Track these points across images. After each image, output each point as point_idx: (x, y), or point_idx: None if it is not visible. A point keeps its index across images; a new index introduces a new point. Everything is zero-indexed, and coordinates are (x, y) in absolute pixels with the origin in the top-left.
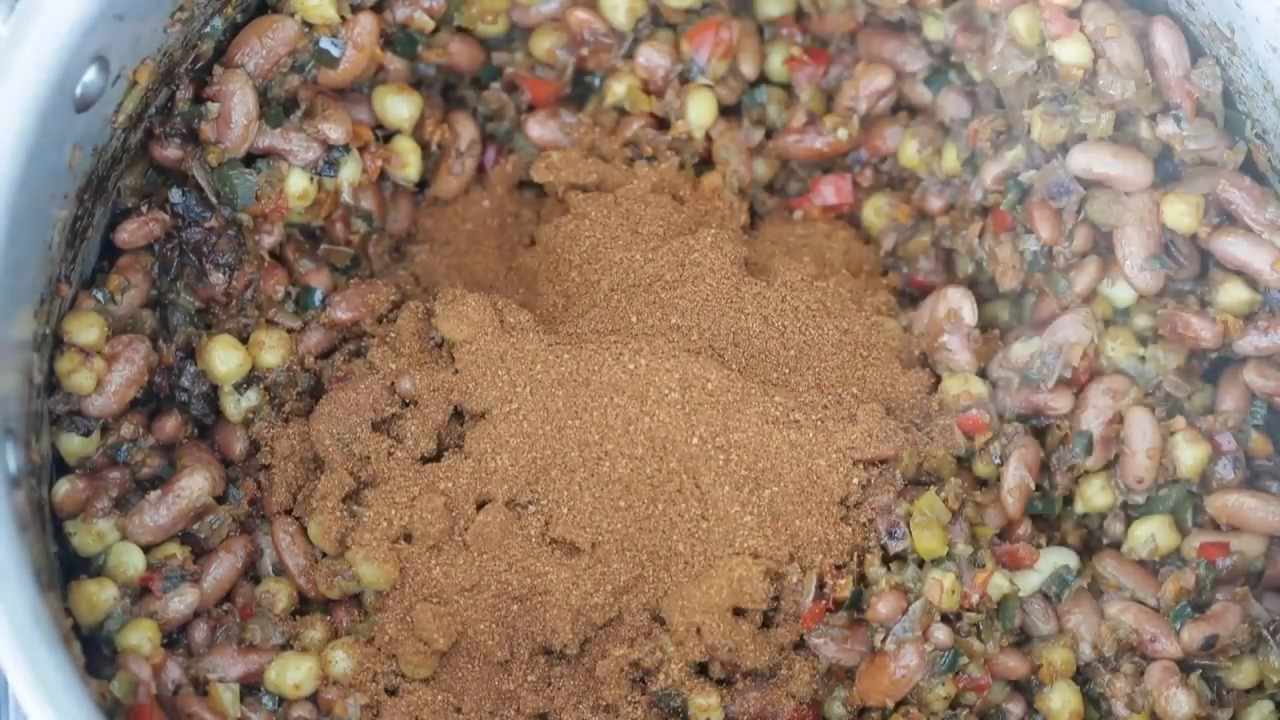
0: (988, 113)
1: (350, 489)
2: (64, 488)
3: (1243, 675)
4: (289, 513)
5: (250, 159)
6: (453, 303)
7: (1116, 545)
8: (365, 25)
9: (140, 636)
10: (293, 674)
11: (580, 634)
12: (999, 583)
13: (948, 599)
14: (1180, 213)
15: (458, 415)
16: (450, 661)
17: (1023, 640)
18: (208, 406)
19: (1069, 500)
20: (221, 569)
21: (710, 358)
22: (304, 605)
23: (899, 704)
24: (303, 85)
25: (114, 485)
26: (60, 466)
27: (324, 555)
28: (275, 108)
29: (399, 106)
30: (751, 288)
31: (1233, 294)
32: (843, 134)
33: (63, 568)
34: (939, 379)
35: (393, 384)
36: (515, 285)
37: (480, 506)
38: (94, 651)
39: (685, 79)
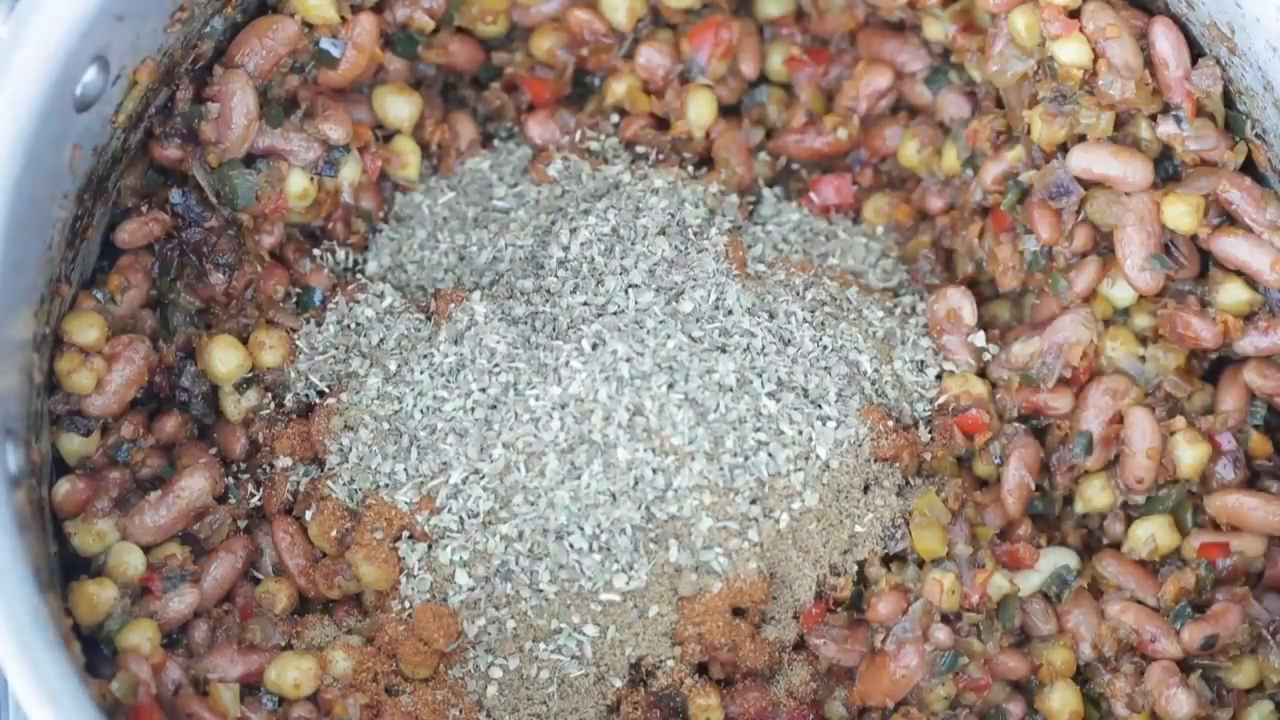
0: (988, 113)
1: (350, 488)
2: (64, 488)
3: (1243, 675)
4: (289, 513)
5: (250, 159)
6: (452, 301)
7: (1116, 545)
8: (365, 25)
9: (140, 636)
10: (293, 674)
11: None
12: (999, 583)
13: (948, 599)
14: (1180, 213)
15: None
16: (450, 661)
17: (1023, 640)
18: (208, 406)
19: (1069, 500)
20: (221, 569)
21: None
22: (304, 605)
23: (899, 704)
24: (303, 85)
25: (114, 485)
26: (60, 466)
27: (324, 555)
28: (275, 108)
29: (399, 106)
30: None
31: (1233, 294)
32: (842, 134)
33: (63, 568)
34: (939, 378)
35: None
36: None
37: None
38: (94, 651)
39: (685, 79)
